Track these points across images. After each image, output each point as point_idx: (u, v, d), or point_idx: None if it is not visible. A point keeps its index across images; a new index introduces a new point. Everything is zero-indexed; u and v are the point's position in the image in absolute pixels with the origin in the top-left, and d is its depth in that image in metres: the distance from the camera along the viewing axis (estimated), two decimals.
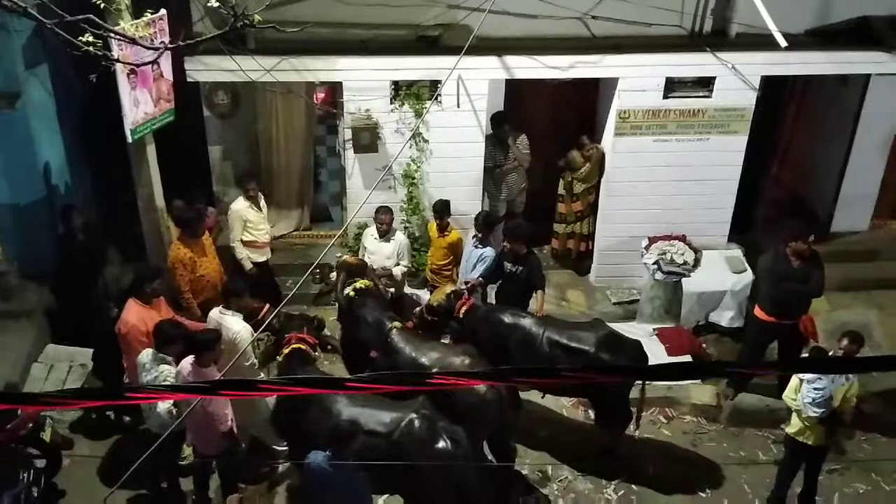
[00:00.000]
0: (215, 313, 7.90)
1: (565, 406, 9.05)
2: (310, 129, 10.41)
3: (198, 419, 7.07)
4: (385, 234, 9.22)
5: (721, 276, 9.94)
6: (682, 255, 9.87)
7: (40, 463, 7.67)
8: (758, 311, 8.78)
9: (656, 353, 9.13)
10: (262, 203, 9.67)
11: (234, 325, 7.71)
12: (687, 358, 9.46)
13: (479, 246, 9.00)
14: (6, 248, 9.45)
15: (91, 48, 5.10)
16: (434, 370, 7.58)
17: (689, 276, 9.73)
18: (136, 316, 7.72)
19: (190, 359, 7.15)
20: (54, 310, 9.56)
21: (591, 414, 8.75)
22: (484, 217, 9.13)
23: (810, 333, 8.74)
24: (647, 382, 8.16)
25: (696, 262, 9.78)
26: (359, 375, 2.47)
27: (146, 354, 7.27)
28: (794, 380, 7.57)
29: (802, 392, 7.43)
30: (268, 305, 8.12)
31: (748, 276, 9.84)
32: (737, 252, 10.31)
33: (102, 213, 10.39)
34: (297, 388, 2.34)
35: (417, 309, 8.62)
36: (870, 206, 10.73)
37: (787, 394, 7.64)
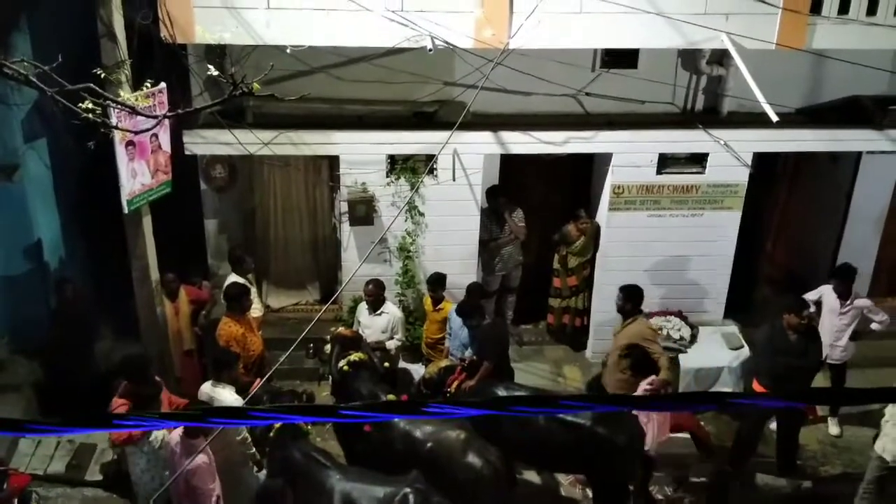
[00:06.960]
0: (207, 386, 7.82)
1: (562, 484, 8.87)
2: (307, 203, 10.43)
3: (182, 494, 6.92)
4: (374, 305, 9.16)
5: (718, 352, 9.87)
6: (679, 330, 9.83)
7: None
8: (756, 386, 8.70)
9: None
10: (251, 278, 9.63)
11: (225, 397, 7.61)
12: (685, 435, 9.33)
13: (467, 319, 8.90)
14: None
15: (90, 115, 5.16)
16: (428, 444, 7.47)
17: (685, 352, 9.67)
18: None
19: (179, 430, 7.03)
20: (43, 384, 9.41)
21: (589, 492, 8.58)
22: (476, 289, 9.06)
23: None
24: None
25: (693, 338, 9.73)
26: (352, 404, 2.42)
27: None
28: None
29: None
30: (259, 380, 8.03)
31: (745, 352, 9.77)
32: (733, 328, 10.25)
33: (96, 285, 10.33)
34: (289, 416, 2.29)
35: (416, 380, 8.52)
36: (865, 283, 10.71)
37: None
